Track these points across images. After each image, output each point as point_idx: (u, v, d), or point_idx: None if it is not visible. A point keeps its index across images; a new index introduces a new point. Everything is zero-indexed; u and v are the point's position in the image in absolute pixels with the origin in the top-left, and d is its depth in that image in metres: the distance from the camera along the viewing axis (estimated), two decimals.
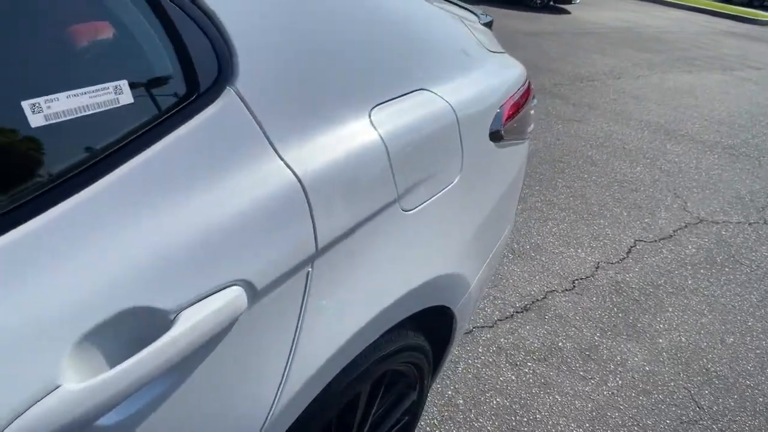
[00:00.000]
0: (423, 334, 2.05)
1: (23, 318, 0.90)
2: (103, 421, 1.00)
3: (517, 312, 3.97)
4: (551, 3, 18.93)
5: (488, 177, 2.12)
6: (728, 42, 17.55)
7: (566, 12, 18.91)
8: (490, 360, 3.48)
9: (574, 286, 4.34)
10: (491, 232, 2.27)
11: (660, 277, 4.62)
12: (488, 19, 2.72)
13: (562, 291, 4.27)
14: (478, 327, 3.75)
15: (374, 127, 1.54)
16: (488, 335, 3.69)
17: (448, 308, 2.07)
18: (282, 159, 1.29)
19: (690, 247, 5.16)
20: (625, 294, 4.35)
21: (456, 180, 1.86)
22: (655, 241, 5.16)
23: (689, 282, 4.63)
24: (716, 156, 7.49)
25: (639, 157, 7.03)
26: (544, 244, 4.85)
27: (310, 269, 1.35)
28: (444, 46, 1.99)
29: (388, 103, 1.64)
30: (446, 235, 1.90)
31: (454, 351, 3.44)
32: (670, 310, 4.25)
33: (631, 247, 5.01)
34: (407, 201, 1.65)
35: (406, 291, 1.71)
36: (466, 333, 3.64)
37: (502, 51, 2.47)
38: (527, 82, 2.44)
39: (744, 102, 10.64)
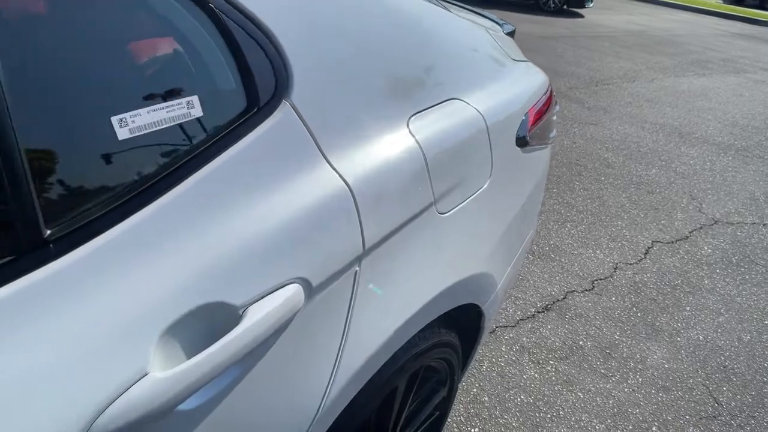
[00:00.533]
0: (454, 331, 2.14)
1: (117, 312, 1.00)
2: (183, 407, 1.10)
3: (538, 312, 4.05)
4: (565, 7, 18.96)
5: (515, 181, 2.20)
6: (740, 44, 17.54)
7: (580, 16, 18.92)
8: (514, 358, 3.57)
9: (593, 287, 4.42)
10: (517, 234, 2.36)
11: (677, 277, 4.70)
12: (510, 28, 2.80)
13: (582, 291, 4.35)
14: (500, 326, 3.83)
15: (412, 135, 1.64)
16: (511, 334, 3.78)
17: (478, 306, 2.16)
18: (332, 166, 1.39)
19: (706, 247, 5.23)
20: (643, 294, 4.42)
21: (486, 184, 1.95)
22: (672, 242, 5.24)
23: (706, 282, 4.70)
24: (730, 158, 7.54)
25: (654, 160, 7.10)
26: (563, 246, 4.93)
27: (357, 268, 1.45)
28: (471, 57, 2.08)
29: (423, 112, 1.73)
30: (477, 236, 1.99)
31: (479, 350, 3.52)
32: (688, 309, 4.33)
33: (649, 248, 5.08)
34: (443, 204, 1.74)
35: (442, 289, 1.80)
36: (490, 332, 3.72)
37: (525, 59, 2.56)
38: (549, 89, 2.52)
39: (757, 104, 10.65)
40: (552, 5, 18.74)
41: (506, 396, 3.27)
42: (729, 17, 24.34)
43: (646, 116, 8.89)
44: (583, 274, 4.56)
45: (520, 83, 2.28)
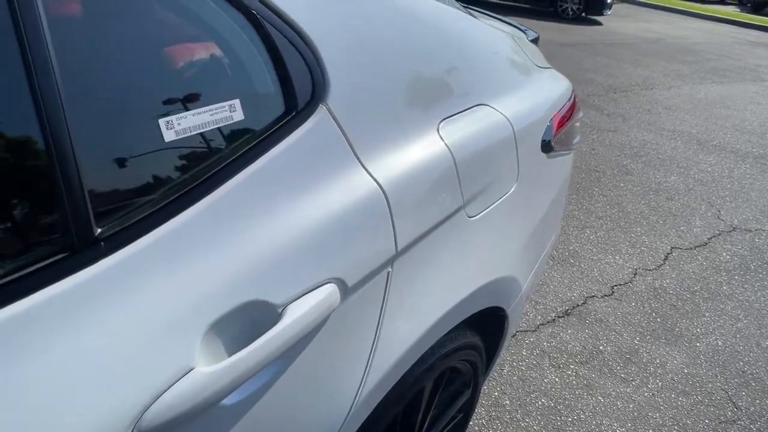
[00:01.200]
0: (478, 333, 2.17)
1: (163, 309, 1.04)
2: (226, 402, 1.14)
3: (558, 317, 4.07)
4: (583, 15, 18.93)
5: (540, 185, 2.23)
6: (758, 52, 17.46)
7: (598, 23, 18.89)
8: (534, 363, 3.60)
9: (613, 292, 4.44)
10: (541, 238, 2.38)
11: (696, 283, 4.71)
12: (534, 35, 2.83)
13: (602, 296, 4.37)
14: (521, 331, 3.86)
15: (442, 140, 1.67)
16: (531, 339, 3.80)
17: (503, 309, 2.18)
18: (366, 169, 1.43)
19: (724, 254, 5.24)
20: (662, 299, 4.44)
21: (513, 188, 1.98)
22: (691, 248, 5.25)
23: (724, 288, 4.72)
24: (748, 165, 7.54)
25: (673, 167, 7.11)
26: (583, 251, 4.95)
27: (390, 269, 1.48)
28: (498, 63, 2.11)
29: (452, 117, 1.76)
30: (504, 239, 2.01)
31: (501, 354, 3.54)
32: (707, 314, 4.34)
33: (668, 254, 5.10)
34: (472, 208, 1.77)
35: (470, 291, 1.83)
36: (511, 336, 3.73)
37: (549, 66, 2.58)
38: (573, 96, 2.55)
39: None
40: (570, 13, 18.73)
41: (527, 400, 3.30)
42: (746, 26, 24.21)
43: (664, 123, 8.90)
44: (603, 280, 4.58)
45: (545, 90, 2.31)
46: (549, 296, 4.28)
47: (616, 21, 19.93)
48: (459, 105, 1.81)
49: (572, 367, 3.61)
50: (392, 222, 1.45)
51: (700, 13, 25.65)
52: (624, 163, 7.02)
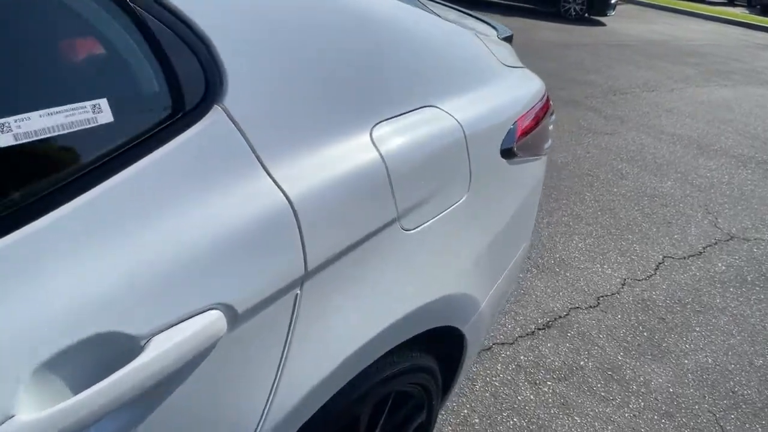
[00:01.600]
0: (432, 354, 2.01)
1: None
2: None
3: (538, 329, 3.92)
4: (586, 15, 18.90)
5: (499, 195, 2.08)
6: (765, 55, 17.31)
7: (601, 24, 18.86)
8: (509, 378, 3.44)
9: (598, 303, 4.29)
10: (504, 250, 2.24)
11: (688, 295, 4.55)
12: (508, 33, 2.68)
13: (586, 308, 4.22)
14: (497, 343, 3.70)
15: (374, 145, 1.52)
16: (508, 352, 3.64)
17: (457, 329, 2.02)
18: (271, 177, 1.26)
19: (720, 264, 5.08)
20: (651, 312, 4.28)
21: (463, 198, 1.82)
22: (684, 257, 5.09)
23: (718, 300, 4.55)
24: (750, 171, 7.38)
25: (670, 172, 6.96)
26: (569, 260, 4.80)
27: (298, 292, 1.32)
28: (455, 62, 1.96)
29: (391, 120, 1.61)
30: (452, 254, 1.86)
31: (472, 368, 3.39)
32: (698, 329, 4.17)
33: (659, 263, 4.94)
34: (408, 220, 1.61)
35: (407, 312, 1.67)
36: (485, 350, 3.59)
37: (521, 66, 2.43)
38: (545, 97, 2.39)
39: None
40: (573, 13, 18.75)
41: (498, 418, 3.14)
42: (756, 28, 24.07)
43: (664, 127, 8.76)
44: (589, 290, 4.43)
45: (511, 90, 2.15)
46: (530, 307, 4.12)
47: (620, 22, 19.85)
48: (400, 106, 1.65)
49: (549, 383, 3.44)
50: (301, 238, 1.29)
51: (706, 15, 25.57)
52: (619, 167, 6.88)
